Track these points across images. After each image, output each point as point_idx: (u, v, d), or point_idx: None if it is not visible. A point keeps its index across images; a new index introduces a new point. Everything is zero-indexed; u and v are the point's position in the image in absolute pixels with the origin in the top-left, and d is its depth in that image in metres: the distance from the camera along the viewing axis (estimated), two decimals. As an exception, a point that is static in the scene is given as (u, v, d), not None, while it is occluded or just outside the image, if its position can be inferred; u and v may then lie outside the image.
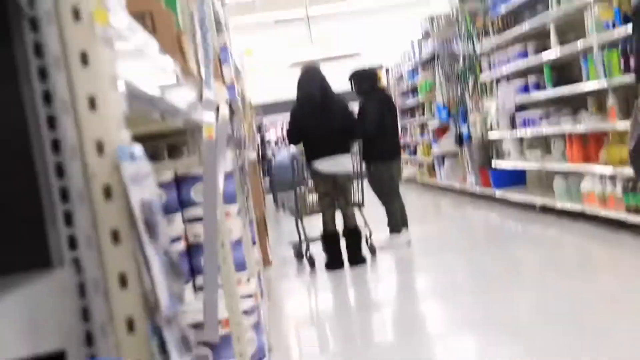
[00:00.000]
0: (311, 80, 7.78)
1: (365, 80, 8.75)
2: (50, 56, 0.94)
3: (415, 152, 17.60)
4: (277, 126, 25.11)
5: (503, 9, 10.33)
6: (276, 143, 24.31)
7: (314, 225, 8.46)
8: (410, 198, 14.24)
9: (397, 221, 8.60)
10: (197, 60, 2.55)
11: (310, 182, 8.21)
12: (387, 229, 8.64)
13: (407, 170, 17.85)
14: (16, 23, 0.93)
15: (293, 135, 7.92)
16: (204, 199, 2.29)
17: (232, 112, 4.09)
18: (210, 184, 2.31)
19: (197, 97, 2.38)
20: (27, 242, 0.95)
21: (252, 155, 7.34)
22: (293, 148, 8.93)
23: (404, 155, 17.26)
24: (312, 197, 8.32)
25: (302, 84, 7.84)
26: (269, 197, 15.22)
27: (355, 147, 8.19)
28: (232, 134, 4.22)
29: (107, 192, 1.00)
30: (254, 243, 4.76)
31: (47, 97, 0.94)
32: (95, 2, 1.01)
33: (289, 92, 9.48)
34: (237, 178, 4.33)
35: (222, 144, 2.73)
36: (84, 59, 0.99)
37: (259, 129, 17.47)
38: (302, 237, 8.27)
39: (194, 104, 2.26)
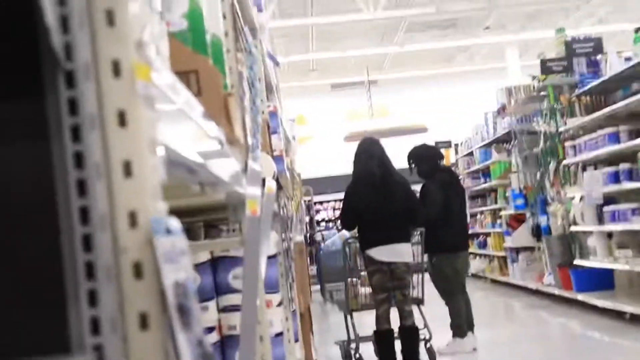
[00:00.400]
0: (370, 155, 7.81)
1: (425, 160, 8.77)
2: (85, 114, 0.96)
3: (485, 244, 17.46)
4: (328, 206, 25.17)
5: (593, 84, 10.34)
6: (326, 226, 24.32)
7: (366, 322, 8.38)
8: (478, 297, 14.07)
9: (461, 323, 8.50)
10: (244, 126, 2.58)
11: (364, 273, 8.17)
12: (450, 332, 8.54)
13: (475, 264, 17.70)
14: (50, 76, 0.95)
15: (347, 218, 7.91)
16: (244, 284, 2.29)
17: (279, 187, 4.12)
18: (251, 268, 2.32)
19: (241, 167, 2.41)
20: (45, 324, 0.95)
21: (299, 237, 7.35)
22: (345, 232, 8.93)
23: (472, 247, 17.14)
24: (365, 290, 8.27)
25: (359, 158, 7.87)
26: (316, 288, 15.17)
27: (417, 234, 8.16)
28: (278, 212, 4.24)
29: (138, 270, 1.00)
30: (296, 340, 4.73)
31: (79, 160, 0.95)
32: (137, 57, 1.03)
33: (343, 167, 9.52)
34: (282, 263, 4.33)
35: (267, 222, 2.75)
36: (122, 119, 1.01)
37: (308, 208, 17.54)
38: (352, 335, 8.20)
39: (237, 175, 2.29)
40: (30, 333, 0.95)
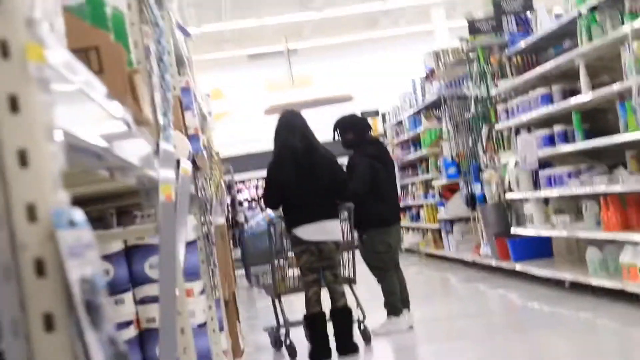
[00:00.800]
0: (291, 128, 7.81)
1: (352, 129, 8.81)
2: (-29, 101, 0.93)
3: (417, 217, 17.64)
4: (250, 185, 25.15)
5: (523, 44, 10.49)
6: (249, 206, 24.29)
7: (295, 306, 8.42)
8: (412, 273, 14.22)
9: (395, 301, 8.58)
10: (154, 105, 2.56)
11: (291, 254, 8.19)
12: (384, 311, 8.61)
13: (408, 238, 17.88)
14: None
15: (270, 197, 7.91)
16: (160, 274, 2.28)
17: (195, 167, 4.09)
18: (168, 256, 2.30)
19: (152, 149, 2.38)
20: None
21: (220, 220, 7.32)
22: (270, 212, 8.93)
23: (404, 221, 17.29)
24: (293, 272, 8.29)
25: (279, 133, 7.87)
26: (241, 272, 15.17)
27: (345, 210, 8.20)
28: (196, 195, 4.21)
29: (40, 268, 0.98)
30: (221, 329, 4.72)
31: (-33, 151, 0.93)
32: (28, 36, 1.01)
33: (265, 143, 9.50)
34: (202, 249, 4.32)
35: (184, 207, 2.73)
36: (14, 104, 0.98)
37: (229, 188, 17.50)
38: (281, 320, 8.22)
39: (148, 158, 2.26)
40: None
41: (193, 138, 4.48)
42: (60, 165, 1.05)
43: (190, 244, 3.59)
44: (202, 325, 3.67)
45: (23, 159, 0.99)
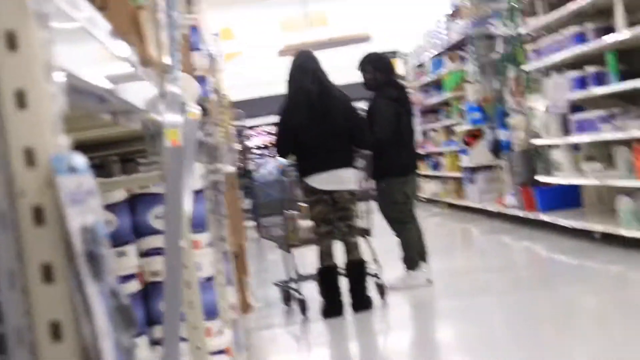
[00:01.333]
0: (304, 70, 7.78)
1: (379, 68, 8.76)
2: (-35, 38, 0.93)
3: (438, 165, 17.63)
4: (262, 131, 25.13)
5: (554, -20, 10.38)
6: (260, 154, 24.30)
7: (307, 259, 8.45)
8: (432, 224, 14.26)
9: (413, 254, 8.60)
10: (160, 44, 2.55)
11: (303, 204, 8.20)
12: (401, 265, 8.64)
13: (428, 188, 17.88)
14: None
15: (282, 144, 7.90)
16: (166, 224, 2.29)
17: (204, 112, 4.09)
18: (173, 205, 2.31)
19: (159, 92, 2.38)
20: None
21: (229, 168, 7.34)
22: (282, 160, 8.93)
23: (424, 170, 17.28)
24: (305, 223, 8.31)
25: (292, 75, 7.85)
26: (251, 224, 15.23)
27: (362, 158, 8.19)
28: (204, 141, 4.22)
29: (38, 216, 0.99)
30: (229, 283, 4.75)
31: (-38, 92, 0.93)
32: (26, -32, 1.00)
33: (278, 86, 9.42)
34: (210, 198, 4.33)
35: (190, 153, 2.73)
36: (11, 41, 0.98)
37: (239, 134, 17.50)
38: (292, 274, 8.26)
39: (154, 100, 2.26)
40: None
41: (201, 80, 4.48)
42: (61, 108, 1.05)
43: (197, 193, 3.60)
44: (209, 279, 3.69)
45: (21, 100, 0.98)
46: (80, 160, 1.05)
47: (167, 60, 2.70)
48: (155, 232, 3.16)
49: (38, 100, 0.99)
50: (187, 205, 2.62)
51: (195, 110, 2.97)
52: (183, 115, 2.63)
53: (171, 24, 2.88)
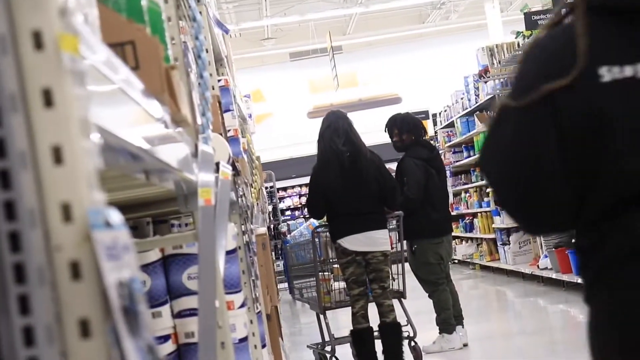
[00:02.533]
0: (335, 131, 7.80)
1: (407, 129, 8.78)
2: (4, 94, 0.95)
3: (471, 227, 17.55)
4: (293, 192, 25.18)
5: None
6: (292, 215, 24.33)
7: (342, 321, 8.41)
8: (466, 286, 14.18)
9: (448, 317, 8.55)
10: (192, 104, 2.57)
11: (337, 265, 8.19)
12: (436, 327, 8.58)
13: (461, 249, 17.80)
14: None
15: (314, 205, 7.91)
16: (200, 284, 2.29)
17: (235, 172, 4.11)
18: (207, 265, 2.31)
19: (191, 151, 2.40)
20: (-30, 336, 0.94)
21: (261, 229, 7.34)
22: (314, 221, 8.94)
23: (456, 231, 17.23)
24: (339, 285, 8.29)
25: (324, 136, 7.87)
26: (283, 286, 15.20)
27: (395, 219, 8.18)
28: (236, 201, 4.23)
29: (75, 270, 0.99)
30: (263, 345, 4.73)
31: (1, 147, 0.94)
32: (62, 26, 1.02)
33: (308, 147, 9.48)
34: (242, 259, 4.33)
35: (223, 212, 2.74)
36: (48, 97, 0.99)
37: (270, 196, 17.55)
38: (327, 336, 8.22)
39: (187, 160, 2.28)
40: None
41: (233, 140, 4.50)
42: (96, 163, 1.06)
43: (230, 253, 3.60)
44: (243, 340, 3.68)
45: (57, 155, 0.99)
46: (116, 215, 1.06)
47: (199, 120, 2.72)
48: (189, 292, 3.17)
49: (74, 156, 1.00)
50: (221, 264, 2.63)
51: (227, 170, 2.99)
52: (215, 175, 2.65)
53: (202, 84, 2.91)
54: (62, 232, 0.99)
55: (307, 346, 8.97)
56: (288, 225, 18.68)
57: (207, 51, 3.61)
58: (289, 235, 15.45)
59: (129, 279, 1.05)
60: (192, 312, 3.25)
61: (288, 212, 24.46)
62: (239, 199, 4.60)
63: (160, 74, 1.77)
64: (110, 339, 0.98)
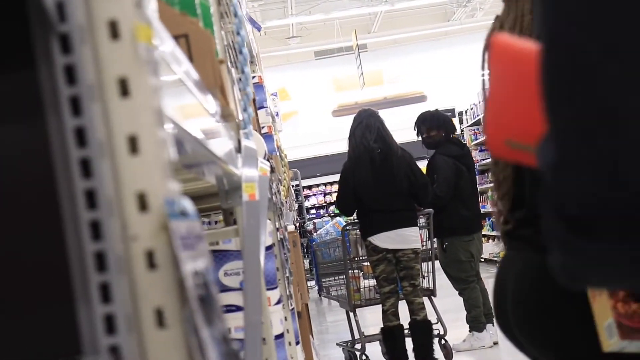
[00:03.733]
0: (367, 128, 7.80)
1: (437, 126, 8.76)
2: (84, 83, 0.95)
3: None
4: (318, 191, 25.18)
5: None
6: (317, 213, 24.33)
7: (371, 319, 8.40)
8: (492, 285, 14.10)
9: (479, 315, 8.52)
10: (235, 99, 2.58)
11: (366, 263, 8.19)
12: (467, 325, 8.56)
13: (488, 247, 17.75)
14: (42, 40, 0.95)
15: (345, 202, 7.91)
16: (246, 280, 2.28)
17: (271, 169, 4.11)
18: (253, 261, 2.31)
19: (235, 146, 2.40)
20: (52, 324, 0.95)
21: (290, 227, 7.35)
22: (340, 219, 8.94)
23: (484, 229, 17.18)
24: (369, 283, 8.29)
25: (355, 133, 7.86)
26: (310, 284, 15.20)
27: (425, 216, 8.17)
28: (271, 198, 4.23)
29: (151, 260, 0.99)
30: (297, 342, 4.73)
31: (81, 136, 0.95)
32: (137, 16, 1.03)
33: (333, 146, 9.47)
34: (277, 255, 4.33)
35: (263, 209, 2.74)
36: (124, 87, 1.00)
37: (296, 194, 17.55)
38: (356, 334, 8.22)
39: (231, 155, 2.28)
40: (37, 336, 0.95)
41: (267, 137, 4.51)
42: (171, 153, 1.06)
43: (267, 249, 3.61)
44: (279, 337, 3.68)
45: (134, 145, 1.00)
46: (190, 205, 1.06)
47: (240, 115, 2.73)
48: (226, 289, 3.18)
49: (150, 146, 1.01)
50: (262, 261, 2.63)
51: (265, 167, 3.00)
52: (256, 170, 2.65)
53: (244, 79, 2.91)
54: (138, 222, 1.00)
55: (337, 344, 8.97)
56: (314, 223, 18.68)
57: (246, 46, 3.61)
58: (315, 234, 15.45)
59: (203, 268, 1.06)
60: (229, 309, 3.25)
61: (313, 211, 24.45)
62: (273, 196, 4.61)
63: (213, 68, 1.78)
64: (187, 329, 0.99)
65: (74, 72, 0.95)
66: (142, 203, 1.00)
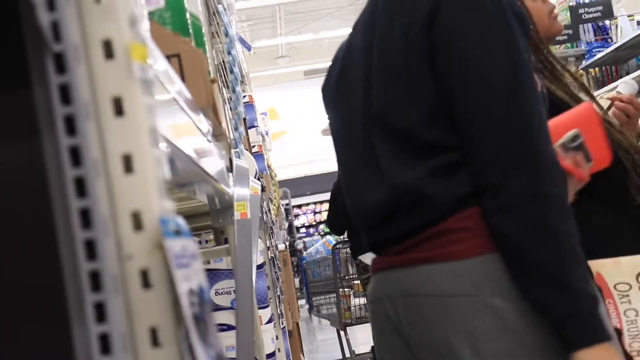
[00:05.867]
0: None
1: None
2: (79, 102, 0.95)
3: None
4: (307, 210, 25.17)
5: (602, 53, 10.38)
6: (307, 232, 24.32)
7: (361, 337, 8.38)
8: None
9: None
10: (226, 118, 2.58)
11: (357, 281, 8.17)
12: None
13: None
14: (37, 59, 0.94)
15: (335, 221, 7.88)
16: (238, 299, 2.28)
17: (262, 188, 4.11)
18: (245, 280, 2.31)
19: (226, 166, 2.40)
20: (46, 344, 0.94)
21: (281, 245, 7.34)
22: (330, 238, 8.93)
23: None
24: (359, 301, 8.27)
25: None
26: (300, 302, 15.15)
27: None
28: (262, 217, 4.23)
29: (145, 279, 0.99)
30: (288, 360, 4.73)
31: (75, 155, 0.94)
32: (132, 35, 1.03)
33: (322, 164, 9.45)
34: (268, 274, 4.33)
35: (255, 228, 2.74)
36: (118, 106, 1.00)
37: (286, 213, 17.54)
38: (347, 352, 8.20)
39: (222, 174, 2.28)
40: (29, 355, 0.94)
41: (258, 156, 4.52)
42: (165, 172, 1.06)
43: (258, 268, 3.61)
44: (271, 356, 3.68)
45: (128, 164, 1.00)
46: (183, 224, 1.06)
47: (231, 134, 2.73)
48: (217, 308, 3.17)
49: (144, 165, 1.01)
50: (253, 279, 2.63)
51: (256, 185, 3.00)
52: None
53: (235, 99, 2.91)
54: (132, 241, 0.99)
55: (327, 363, 8.95)
56: (304, 242, 18.68)
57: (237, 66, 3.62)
58: (305, 253, 15.44)
59: (198, 287, 1.05)
60: (221, 328, 3.25)
61: (303, 230, 24.44)
62: (264, 215, 4.60)
63: (206, 87, 1.78)
64: (182, 348, 0.98)
65: (69, 91, 0.94)
66: (137, 222, 1.00)
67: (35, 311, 0.95)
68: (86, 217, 0.95)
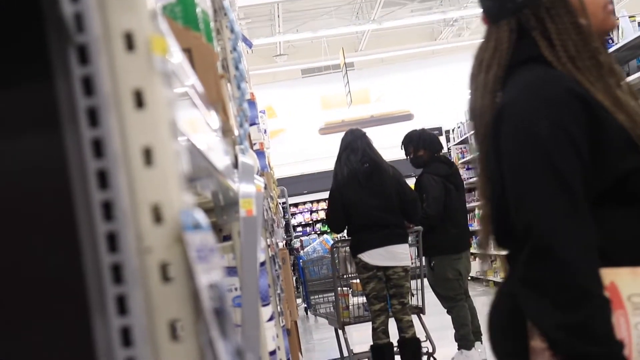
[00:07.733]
0: (354, 150, 7.80)
1: (424, 146, 8.76)
2: (101, 94, 0.95)
3: (485, 243, 17.46)
4: (304, 208, 25.15)
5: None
6: (304, 231, 24.30)
7: (359, 336, 8.37)
8: (481, 302, 14.10)
9: (467, 333, 8.51)
10: (233, 114, 2.57)
11: (355, 280, 8.17)
12: (455, 343, 8.55)
13: (474, 266, 17.74)
14: (60, 51, 0.94)
15: (335, 219, 7.89)
16: (244, 297, 2.27)
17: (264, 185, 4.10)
18: (250, 277, 2.30)
19: (232, 162, 2.39)
20: (69, 335, 0.94)
21: (280, 244, 7.34)
22: (327, 237, 8.92)
23: (473, 247, 17.18)
24: (358, 300, 8.27)
25: (341, 155, 7.86)
26: (297, 301, 15.15)
27: (414, 234, 8.16)
28: (264, 214, 4.22)
29: (165, 272, 0.99)
30: None
31: (97, 147, 0.94)
32: (152, 28, 1.02)
33: (320, 163, 9.48)
34: (269, 272, 4.32)
35: (260, 225, 2.74)
36: (139, 99, 1.00)
37: (284, 211, 17.53)
38: (346, 352, 8.20)
39: (229, 170, 2.27)
40: (54, 347, 0.94)
41: (259, 154, 4.50)
42: (184, 166, 1.06)
43: (260, 266, 3.60)
44: (272, 354, 3.67)
45: (148, 157, 0.99)
46: (203, 217, 1.06)
47: (236, 131, 2.72)
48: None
49: (164, 157, 1.00)
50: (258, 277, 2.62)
51: (260, 183, 2.99)
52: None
53: (240, 95, 2.91)
54: (152, 234, 0.99)
55: (325, 361, 8.95)
56: (301, 241, 18.66)
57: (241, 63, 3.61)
58: (302, 251, 15.43)
59: (217, 281, 1.05)
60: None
61: (299, 228, 24.42)
62: (264, 212, 4.59)
63: (216, 82, 1.78)
64: (202, 341, 0.98)
65: (92, 83, 0.94)
66: (157, 215, 1.00)
67: (57, 303, 0.95)
68: (107, 210, 0.94)
